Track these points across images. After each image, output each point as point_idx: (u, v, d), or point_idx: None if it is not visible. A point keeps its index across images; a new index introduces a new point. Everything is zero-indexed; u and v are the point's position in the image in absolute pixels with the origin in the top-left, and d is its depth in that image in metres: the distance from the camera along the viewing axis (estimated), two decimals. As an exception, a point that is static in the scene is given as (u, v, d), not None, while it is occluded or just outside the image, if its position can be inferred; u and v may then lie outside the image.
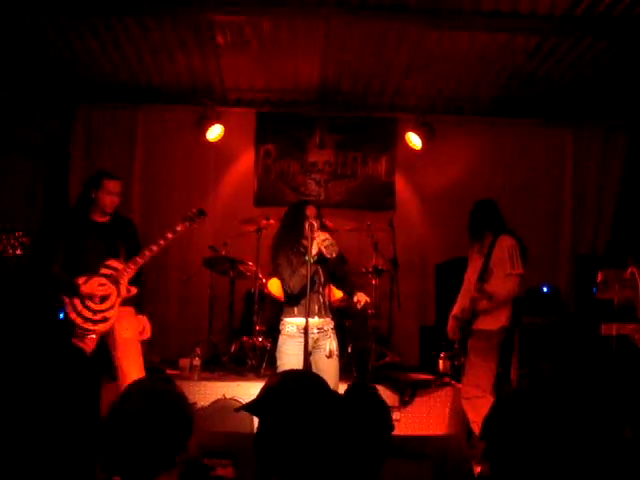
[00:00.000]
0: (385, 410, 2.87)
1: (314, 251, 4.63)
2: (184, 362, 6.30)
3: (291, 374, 2.75)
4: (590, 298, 6.00)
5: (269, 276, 6.74)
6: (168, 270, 7.57)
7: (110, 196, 5.00)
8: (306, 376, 2.91)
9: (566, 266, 7.90)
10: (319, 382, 2.65)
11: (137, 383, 2.44)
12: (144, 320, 5.11)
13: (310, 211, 4.91)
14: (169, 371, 6.34)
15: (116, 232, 5.07)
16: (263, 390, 2.56)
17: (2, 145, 7.35)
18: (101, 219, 5.05)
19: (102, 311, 4.86)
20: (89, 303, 4.84)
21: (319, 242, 4.65)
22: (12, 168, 7.35)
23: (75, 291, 4.82)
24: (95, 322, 4.85)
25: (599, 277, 5.59)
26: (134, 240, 5.16)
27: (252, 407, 2.57)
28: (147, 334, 5.11)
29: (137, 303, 5.11)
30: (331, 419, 2.49)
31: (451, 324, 5.55)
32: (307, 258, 4.62)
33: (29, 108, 7.46)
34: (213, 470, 3.35)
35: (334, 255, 4.65)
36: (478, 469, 3.72)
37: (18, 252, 4.58)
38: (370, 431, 2.67)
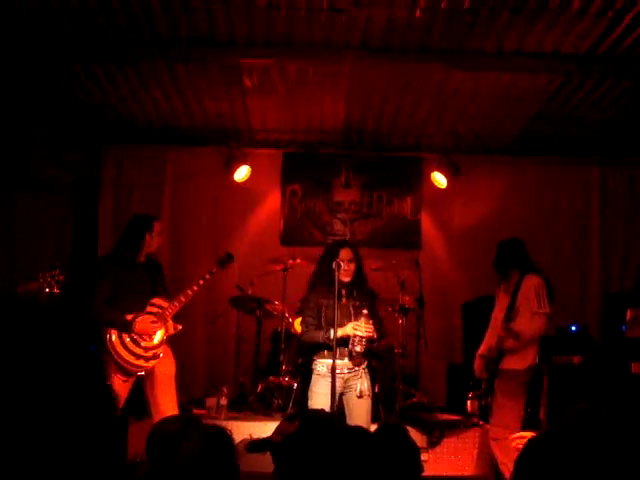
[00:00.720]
0: (415, 450, 2.85)
1: (347, 331, 4.70)
2: (211, 402, 6.30)
3: (311, 417, 2.74)
4: (620, 336, 5.93)
5: (296, 315, 6.76)
6: (195, 310, 7.59)
7: (159, 237, 5.22)
8: (325, 417, 2.90)
9: (595, 304, 7.81)
10: (337, 423, 2.64)
11: (184, 421, 2.41)
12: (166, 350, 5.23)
13: (344, 254, 4.88)
14: (196, 410, 6.34)
15: (153, 271, 5.25)
16: (278, 434, 2.54)
17: (32, 185, 7.50)
18: (140, 259, 5.19)
19: (153, 348, 4.99)
20: (140, 340, 4.95)
21: (354, 327, 4.71)
22: (42, 208, 7.47)
23: (129, 329, 4.92)
24: (147, 359, 4.98)
25: (628, 315, 5.54)
26: (163, 280, 5.36)
27: (264, 446, 2.57)
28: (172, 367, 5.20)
29: None
30: (355, 459, 2.48)
31: (478, 363, 5.51)
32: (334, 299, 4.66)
33: (59, 149, 7.61)
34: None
35: (358, 350, 4.72)
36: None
37: (55, 290, 4.68)
38: (400, 471, 2.65)
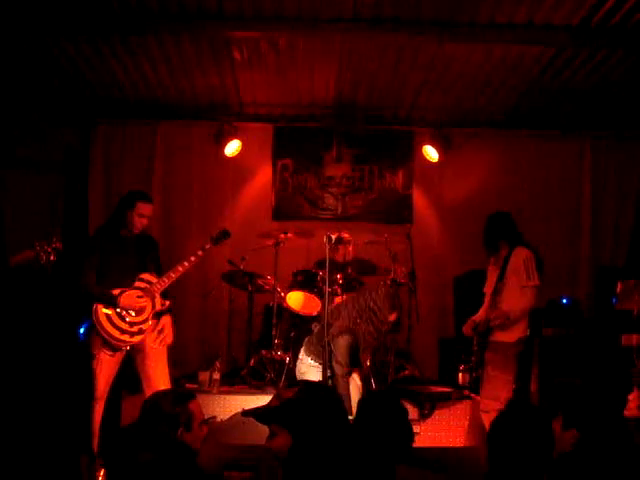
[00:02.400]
0: (403, 413, 2.90)
1: None
2: (204, 376, 6.32)
3: (309, 386, 2.79)
4: (610, 309, 5.96)
5: (288, 290, 6.77)
6: (187, 285, 7.58)
7: (141, 218, 5.12)
8: (323, 388, 2.96)
9: (585, 277, 7.85)
10: (334, 394, 2.69)
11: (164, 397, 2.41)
12: (167, 321, 5.16)
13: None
14: (189, 385, 6.36)
15: (144, 247, 5.21)
16: (276, 399, 2.60)
17: (22, 163, 7.46)
18: (128, 234, 5.15)
19: (138, 323, 4.97)
20: (126, 315, 4.94)
21: None
22: (33, 185, 7.43)
23: (114, 303, 4.92)
24: (132, 334, 4.96)
25: (619, 288, 5.56)
26: (157, 255, 5.31)
27: (264, 416, 2.62)
28: (168, 338, 5.15)
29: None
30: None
31: (469, 323, 5.48)
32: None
33: (49, 126, 7.55)
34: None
35: None
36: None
37: (52, 258, 4.65)
38: (390, 427, 2.70)
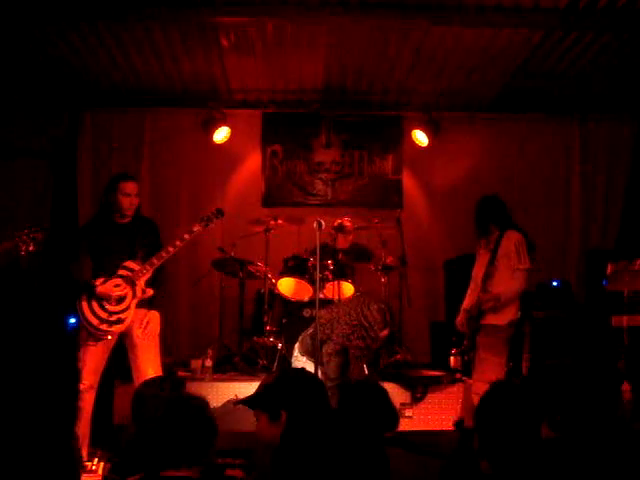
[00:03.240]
0: (382, 392, 2.95)
1: None
2: (196, 363, 6.32)
3: (288, 371, 2.84)
4: (600, 291, 5.99)
5: (279, 276, 6.77)
6: (178, 272, 7.58)
7: (127, 197, 5.07)
8: (301, 372, 2.99)
9: (576, 260, 7.88)
10: (315, 378, 2.72)
11: (154, 384, 2.47)
12: (153, 315, 5.07)
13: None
14: (181, 372, 6.36)
15: (137, 233, 5.12)
16: (260, 386, 2.65)
17: (10, 151, 7.40)
18: (122, 221, 5.12)
19: (117, 312, 4.92)
20: (105, 304, 4.90)
21: None
22: (21, 174, 7.40)
23: (91, 292, 4.89)
24: (111, 323, 4.91)
25: (609, 269, 5.59)
26: (156, 240, 5.19)
27: (249, 401, 2.66)
28: (149, 331, 5.03)
29: (151, 299, 5.10)
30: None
31: (461, 317, 5.55)
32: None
33: (35, 114, 7.50)
34: (223, 470, 3.38)
35: None
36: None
37: (31, 248, 4.61)
38: (371, 409, 2.74)
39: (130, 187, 5.10)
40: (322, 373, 5.34)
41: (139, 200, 5.20)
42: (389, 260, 6.86)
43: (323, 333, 5.45)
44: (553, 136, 8.07)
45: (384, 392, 3.22)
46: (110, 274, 4.96)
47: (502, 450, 2.40)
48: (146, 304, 5.07)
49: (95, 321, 4.89)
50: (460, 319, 5.55)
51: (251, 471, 3.42)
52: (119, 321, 4.93)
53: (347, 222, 6.83)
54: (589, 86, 7.29)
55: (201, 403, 2.36)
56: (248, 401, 2.75)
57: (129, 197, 5.07)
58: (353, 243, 7.09)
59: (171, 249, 5.02)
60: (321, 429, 2.40)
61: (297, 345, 5.82)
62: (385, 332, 5.54)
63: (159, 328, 5.13)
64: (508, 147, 8.07)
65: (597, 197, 8.00)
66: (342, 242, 6.94)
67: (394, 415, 3.15)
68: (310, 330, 5.68)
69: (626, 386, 4.76)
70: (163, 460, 2.18)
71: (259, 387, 2.82)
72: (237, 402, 2.81)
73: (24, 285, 6.19)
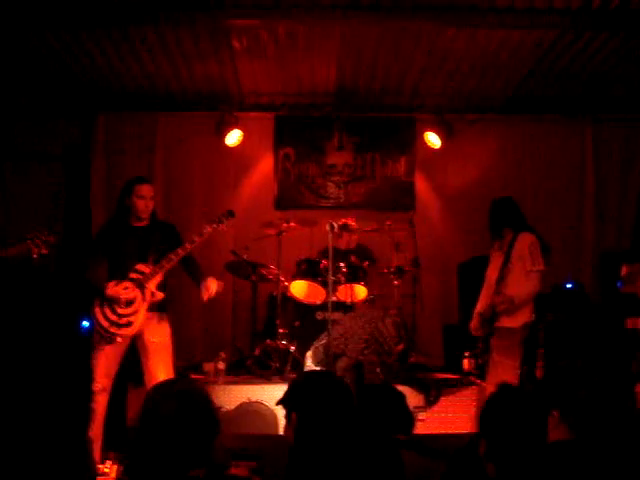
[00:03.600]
0: (400, 397, 2.92)
1: None
2: (208, 366, 6.33)
3: (315, 372, 2.82)
4: (615, 292, 5.95)
5: (291, 279, 6.76)
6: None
7: (142, 200, 5.09)
8: (329, 374, 2.98)
9: (590, 261, 7.82)
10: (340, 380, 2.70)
11: (162, 386, 2.46)
12: (210, 280, 5.14)
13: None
14: (194, 376, 6.37)
15: (152, 236, 5.13)
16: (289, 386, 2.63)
17: (25, 154, 7.46)
18: (138, 224, 5.14)
19: (127, 315, 4.93)
20: (115, 307, 4.92)
21: None
22: (34, 177, 7.45)
23: (100, 293, 4.91)
24: (120, 326, 4.92)
25: (623, 271, 5.55)
26: (176, 244, 5.13)
27: (282, 401, 2.64)
28: (211, 291, 5.12)
29: (198, 276, 5.18)
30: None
31: (475, 321, 5.52)
32: None
33: (50, 117, 7.56)
34: (227, 469, 3.37)
35: None
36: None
37: (43, 251, 4.64)
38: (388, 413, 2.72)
39: (145, 190, 5.12)
40: None
41: (154, 203, 5.21)
42: (397, 263, 6.81)
43: (337, 348, 5.40)
44: (566, 138, 8.01)
45: (402, 396, 3.20)
46: (123, 277, 4.98)
47: (507, 453, 2.38)
48: (159, 308, 5.08)
49: (105, 323, 4.91)
50: (474, 323, 5.52)
51: (263, 473, 3.42)
52: (128, 324, 4.94)
53: (351, 221, 6.80)
54: (602, 87, 7.25)
55: (204, 398, 2.34)
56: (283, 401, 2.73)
57: (144, 200, 5.09)
58: (358, 244, 7.08)
59: (181, 252, 5.02)
60: (338, 431, 2.39)
61: (309, 354, 5.79)
62: (400, 347, 5.51)
63: (170, 331, 5.14)
64: (521, 149, 8.02)
65: (611, 198, 7.94)
66: (346, 241, 6.92)
67: (410, 419, 3.13)
68: (323, 340, 5.65)
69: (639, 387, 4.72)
70: (171, 460, 2.17)
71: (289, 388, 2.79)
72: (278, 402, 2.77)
73: (37, 288, 6.22)
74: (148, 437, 2.19)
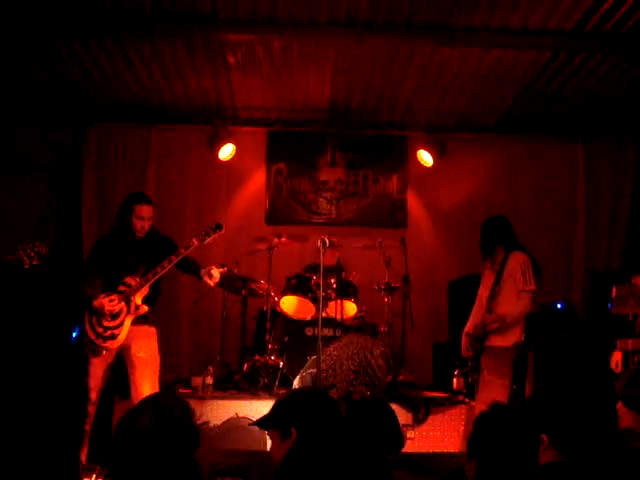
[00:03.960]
0: (390, 414, 2.89)
1: None
2: (197, 381, 6.27)
3: (300, 390, 2.79)
4: (605, 313, 5.94)
5: (281, 294, 6.74)
6: (180, 289, 7.56)
7: (140, 220, 5.10)
8: (315, 391, 2.95)
9: (580, 282, 7.84)
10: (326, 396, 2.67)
11: (142, 400, 2.44)
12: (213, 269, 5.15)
13: None
14: (182, 390, 6.32)
15: (145, 249, 5.12)
16: (274, 405, 2.59)
17: (16, 165, 7.43)
18: (136, 238, 5.12)
19: (111, 328, 4.91)
20: (101, 319, 4.90)
21: None
22: (26, 187, 7.42)
23: (88, 305, 4.89)
24: (105, 338, 4.90)
25: (614, 292, 5.54)
26: (163, 255, 5.11)
27: (262, 422, 2.59)
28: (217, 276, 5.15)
29: (196, 269, 5.19)
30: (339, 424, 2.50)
31: (464, 341, 5.51)
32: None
33: (41, 128, 7.53)
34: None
35: None
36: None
37: (35, 262, 4.61)
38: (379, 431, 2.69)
39: (144, 211, 5.14)
40: None
41: (151, 222, 5.21)
42: (387, 280, 6.77)
43: (325, 380, 5.37)
44: (558, 157, 8.06)
45: (392, 412, 3.17)
46: (114, 289, 4.96)
47: (498, 476, 2.35)
48: (146, 321, 5.06)
49: (92, 336, 4.90)
50: (464, 343, 5.50)
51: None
52: (112, 337, 4.92)
53: (334, 237, 6.76)
54: (594, 108, 7.29)
55: (182, 410, 2.31)
56: (261, 422, 2.70)
57: (142, 220, 5.10)
58: (338, 260, 7.05)
59: (166, 264, 5.02)
60: (327, 449, 2.36)
61: (296, 382, 5.75)
62: (389, 378, 5.49)
63: (157, 345, 5.12)
64: (513, 168, 8.06)
65: (601, 218, 7.97)
66: (329, 258, 6.89)
67: (400, 436, 3.10)
68: (310, 370, 5.62)
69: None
70: (150, 474, 2.14)
71: (273, 407, 2.76)
72: (252, 423, 2.76)
73: (33, 296, 6.19)
74: (124, 451, 2.16)
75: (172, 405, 2.29)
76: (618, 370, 5.10)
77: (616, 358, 5.26)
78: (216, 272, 5.11)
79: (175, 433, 2.19)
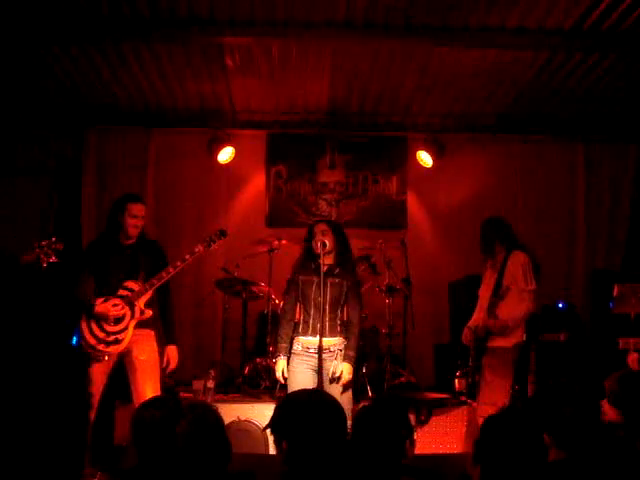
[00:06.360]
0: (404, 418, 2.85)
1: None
2: (198, 384, 6.26)
3: (295, 392, 2.76)
4: (607, 313, 5.93)
5: (282, 296, 6.72)
6: (181, 292, 7.54)
7: (133, 219, 5.04)
8: (307, 392, 2.92)
9: (581, 282, 7.83)
10: (322, 397, 2.63)
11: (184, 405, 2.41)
12: (172, 350, 5.11)
13: (318, 228, 4.90)
14: (183, 393, 6.30)
15: (140, 254, 5.09)
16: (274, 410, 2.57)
17: (16, 169, 7.43)
18: (127, 242, 5.09)
19: (115, 333, 4.88)
20: (103, 324, 4.87)
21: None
22: (25, 192, 7.41)
23: (90, 311, 4.86)
24: (108, 343, 4.86)
25: (615, 291, 5.53)
26: (161, 262, 5.12)
27: (266, 427, 2.58)
28: (172, 365, 5.10)
29: (167, 332, 5.11)
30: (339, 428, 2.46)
31: (466, 332, 5.48)
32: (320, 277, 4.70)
33: (41, 132, 7.54)
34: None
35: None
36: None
37: (52, 259, 4.56)
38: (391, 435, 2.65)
39: (137, 209, 5.07)
40: None
41: (144, 222, 5.18)
42: (388, 282, 6.74)
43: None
44: (557, 157, 8.05)
45: (404, 413, 3.10)
46: (112, 294, 4.93)
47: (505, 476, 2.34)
48: (146, 325, 5.04)
49: (93, 341, 4.85)
50: (465, 334, 5.47)
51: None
52: (116, 341, 4.88)
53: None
54: (593, 107, 7.29)
55: (218, 421, 2.30)
56: (266, 426, 2.68)
57: (135, 219, 5.05)
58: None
59: (172, 270, 4.98)
60: (333, 455, 2.34)
61: None
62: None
63: (158, 348, 5.10)
64: (512, 168, 8.05)
65: (602, 218, 7.96)
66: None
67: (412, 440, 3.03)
68: None
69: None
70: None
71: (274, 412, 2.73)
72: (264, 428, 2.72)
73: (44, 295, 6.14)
74: (162, 452, 2.14)
75: (208, 415, 2.28)
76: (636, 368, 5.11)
77: (632, 357, 5.25)
78: (175, 354, 5.12)
79: (211, 443, 2.17)
